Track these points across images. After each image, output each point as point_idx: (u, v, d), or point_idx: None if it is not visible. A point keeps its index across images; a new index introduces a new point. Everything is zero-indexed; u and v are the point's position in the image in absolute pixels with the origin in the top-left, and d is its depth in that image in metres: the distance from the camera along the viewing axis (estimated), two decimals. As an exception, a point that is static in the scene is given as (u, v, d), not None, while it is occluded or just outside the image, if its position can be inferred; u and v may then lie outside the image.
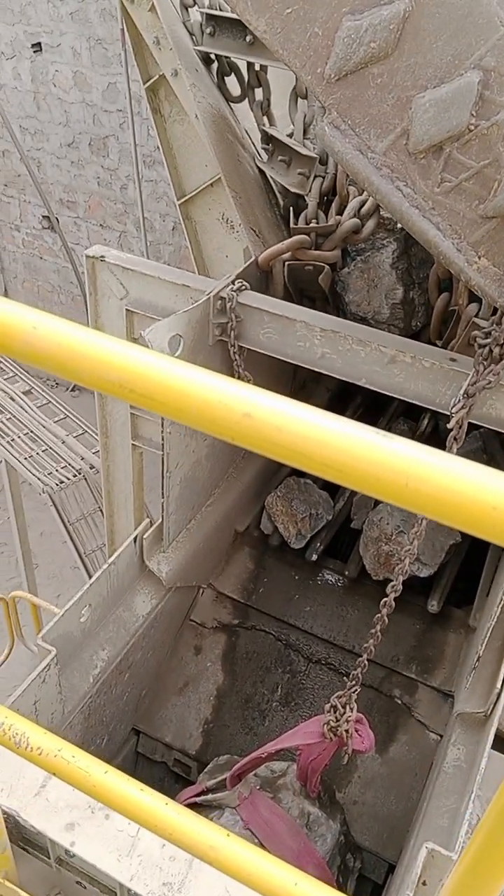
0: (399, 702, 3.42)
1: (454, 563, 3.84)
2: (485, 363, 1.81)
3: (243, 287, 2.86)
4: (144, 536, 3.02)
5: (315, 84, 1.51)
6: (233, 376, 3.07)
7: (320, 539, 3.89)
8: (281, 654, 3.64)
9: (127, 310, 3.11)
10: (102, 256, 3.02)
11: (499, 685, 2.79)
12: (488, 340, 1.76)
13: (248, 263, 3.17)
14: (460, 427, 1.94)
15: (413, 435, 4.32)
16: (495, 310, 1.81)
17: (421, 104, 1.48)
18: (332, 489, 4.12)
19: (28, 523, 7.78)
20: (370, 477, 0.49)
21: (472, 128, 1.48)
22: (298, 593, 3.82)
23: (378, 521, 3.76)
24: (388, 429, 4.38)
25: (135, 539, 3.01)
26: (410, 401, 2.76)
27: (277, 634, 3.71)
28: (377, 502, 4.03)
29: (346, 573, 3.81)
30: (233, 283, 2.85)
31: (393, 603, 2.31)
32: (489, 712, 2.71)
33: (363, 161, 1.57)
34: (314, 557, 3.82)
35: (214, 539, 3.59)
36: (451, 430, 1.97)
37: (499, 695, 2.81)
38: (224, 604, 3.79)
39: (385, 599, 2.33)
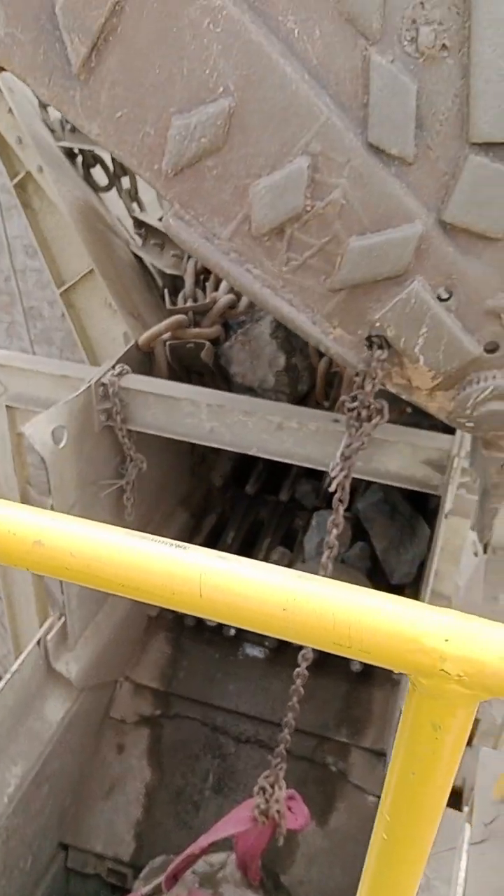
0: (333, 769, 3.35)
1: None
2: (356, 425, 1.87)
3: (125, 371, 2.86)
4: (48, 637, 2.89)
5: (154, 180, 1.56)
6: (124, 461, 3.06)
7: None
8: (208, 738, 3.52)
9: (7, 406, 3.04)
10: (-24, 355, 2.97)
11: None
12: (355, 404, 1.81)
13: (128, 347, 3.18)
14: (343, 489, 1.97)
15: (317, 494, 4.37)
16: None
17: (257, 191, 1.54)
18: (247, 555, 4.09)
19: None
20: (166, 591, 0.48)
21: (309, 209, 1.55)
22: (220, 672, 3.73)
23: None
24: (293, 491, 4.42)
25: (38, 641, 2.87)
26: (301, 464, 2.81)
27: (203, 719, 3.59)
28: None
29: (266, 644, 3.76)
30: (113, 368, 2.84)
31: (306, 672, 2.28)
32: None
33: (211, 248, 1.61)
34: (232, 632, 3.75)
35: (126, 628, 3.48)
36: (335, 492, 2.00)
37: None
38: (144, 695, 3.65)
39: (297, 669, 2.29)
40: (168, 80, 1.48)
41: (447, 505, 2.52)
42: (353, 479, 4.38)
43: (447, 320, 1.63)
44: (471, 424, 1.77)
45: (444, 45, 1.41)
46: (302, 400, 3.68)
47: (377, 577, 3.91)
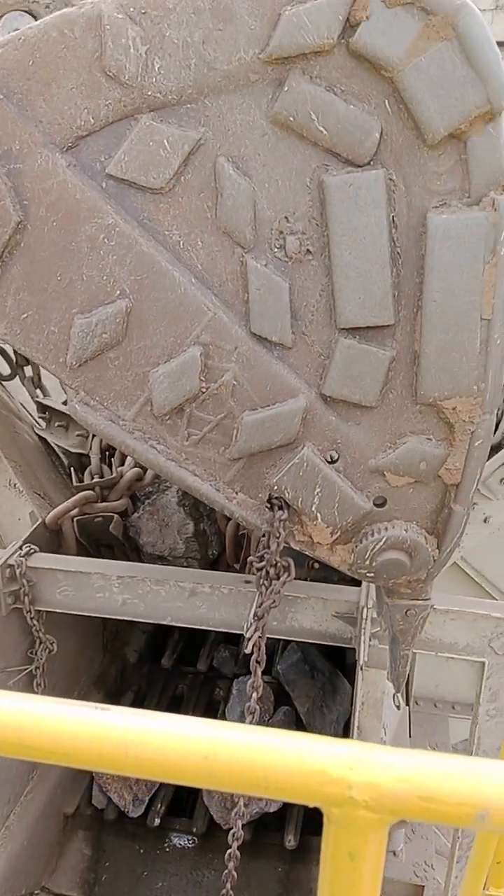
0: None
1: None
2: (266, 584, 1.94)
3: (32, 550, 2.85)
4: (-45, 848, 2.63)
5: (59, 371, 1.69)
6: (34, 644, 2.96)
7: (160, 798, 3.60)
8: None
9: None
10: None
11: None
12: (263, 563, 1.89)
13: (35, 526, 3.19)
14: (259, 649, 2.00)
15: (236, 660, 4.31)
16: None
17: (157, 377, 1.69)
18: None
19: None
20: (93, 754, 0.51)
21: (204, 390, 1.71)
22: (146, 869, 3.44)
23: None
24: (211, 659, 4.34)
25: None
26: (217, 629, 2.81)
27: (132, 926, 3.27)
28: None
29: (195, 830, 3.53)
30: (20, 548, 2.83)
31: (238, 853, 2.17)
32: None
33: (116, 428, 1.73)
34: (157, 822, 3.51)
35: (41, 831, 3.19)
36: (252, 654, 2.03)
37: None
38: (64, 907, 3.30)
39: (229, 851, 2.18)
40: (69, 286, 1.65)
41: (361, 657, 2.57)
42: (271, 640, 4.37)
43: (337, 480, 1.78)
44: (371, 574, 1.88)
45: (308, 250, 1.65)
46: (213, 564, 3.73)
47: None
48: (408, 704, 3.95)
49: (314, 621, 2.74)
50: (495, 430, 4.15)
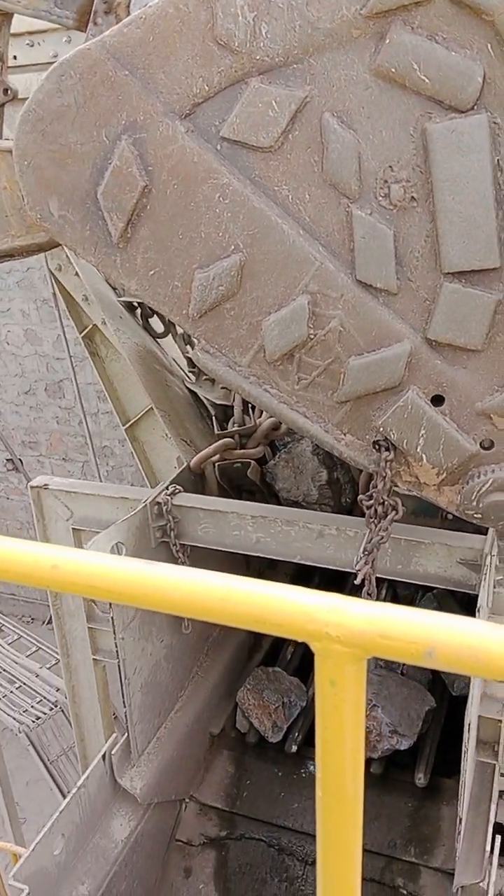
0: (404, 892, 3.23)
1: (434, 731, 3.79)
2: (374, 522, 2.04)
3: (177, 491, 3.12)
4: (113, 752, 2.99)
5: (183, 322, 1.87)
6: (179, 575, 3.26)
7: (298, 728, 3.84)
8: (275, 860, 3.46)
9: (73, 529, 3.33)
10: (46, 485, 3.29)
11: (488, 847, 2.71)
12: (371, 501, 2.00)
13: (180, 469, 3.46)
14: (369, 581, 2.12)
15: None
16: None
17: (268, 325, 1.83)
18: (304, 673, 4.13)
19: (12, 772, 7.39)
20: (139, 594, 0.68)
21: (312, 336, 1.82)
22: (284, 791, 3.70)
23: None
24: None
25: (104, 756, 2.97)
26: (343, 569, 2.94)
27: (269, 840, 3.54)
28: None
29: (329, 760, 3.73)
30: (167, 488, 3.11)
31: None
32: (486, 882, 2.61)
33: (233, 374, 1.89)
34: (294, 749, 3.75)
35: (188, 746, 3.53)
36: (363, 586, 2.15)
37: (490, 860, 2.71)
38: (209, 815, 3.64)
39: None
40: (190, 243, 1.82)
41: (485, 603, 2.61)
42: (410, 589, 4.44)
43: (442, 422, 1.84)
44: (479, 516, 1.93)
45: (412, 198, 1.71)
46: (349, 512, 3.85)
47: (436, 687, 3.89)
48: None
49: (439, 567, 2.79)
50: None
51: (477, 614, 2.61)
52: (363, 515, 3.73)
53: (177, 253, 1.83)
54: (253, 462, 3.57)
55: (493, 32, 1.54)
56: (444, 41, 1.57)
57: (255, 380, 1.90)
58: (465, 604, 4.13)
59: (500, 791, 2.88)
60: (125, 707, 3.02)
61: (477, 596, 2.82)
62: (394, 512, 2.02)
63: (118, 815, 3.09)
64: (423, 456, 1.88)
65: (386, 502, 1.98)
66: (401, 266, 1.76)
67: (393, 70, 1.61)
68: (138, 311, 4.37)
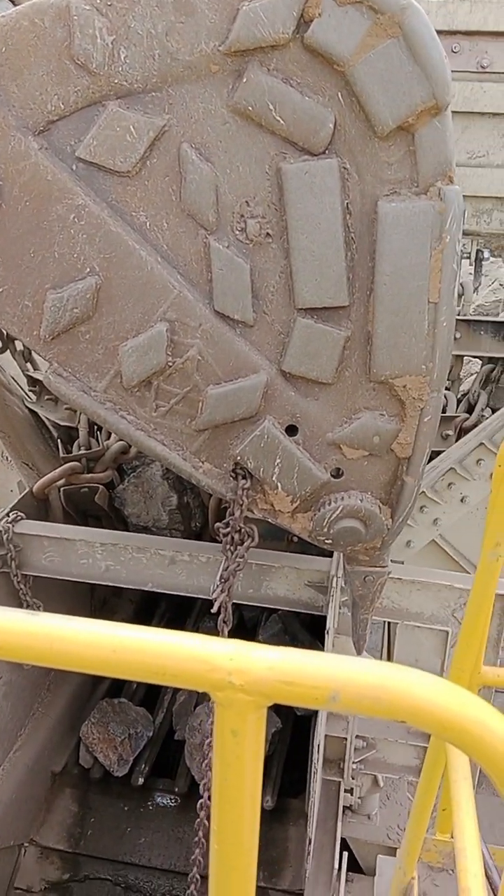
0: (252, 917, 3.23)
1: (280, 752, 3.85)
2: (231, 549, 2.05)
3: (18, 517, 2.97)
4: None
5: (33, 344, 1.79)
6: (21, 607, 3.09)
7: (144, 759, 3.76)
8: (121, 899, 3.35)
9: None
10: None
11: (335, 865, 2.78)
12: (228, 529, 2.01)
13: (23, 494, 3.31)
14: (226, 610, 2.12)
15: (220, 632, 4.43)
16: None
17: (126, 351, 1.80)
18: (150, 703, 4.06)
19: None
20: (22, 648, 0.63)
21: (171, 364, 1.81)
22: (130, 825, 3.60)
23: (199, 725, 3.73)
24: (196, 629, 4.48)
25: None
26: (196, 596, 2.93)
27: (114, 878, 3.43)
28: (195, 706, 4.02)
29: (177, 789, 3.68)
30: (7, 515, 2.95)
31: (209, 802, 2.30)
32: (334, 898, 2.67)
33: (88, 399, 1.83)
34: (140, 781, 3.66)
35: (29, 786, 3.35)
36: (218, 614, 2.15)
37: (339, 876, 2.78)
38: (50, 859, 3.46)
39: (200, 801, 2.31)
40: (42, 262, 1.75)
41: (331, 624, 2.70)
42: (255, 611, 4.49)
43: (296, 452, 1.89)
44: (329, 541, 1.99)
45: (267, 234, 1.75)
46: (197, 537, 3.85)
47: (281, 707, 3.96)
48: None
49: (288, 589, 2.86)
50: (470, 413, 4.25)
51: (326, 635, 2.69)
52: (212, 540, 3.76)
53: (28, 271, 1.75)
54: (101, 487, 3.49)
55: (343, 82, 1.62)
56: (298, 85, 1.63)
57: (112, 405, 1.86)
58: (308, 625, 4.26)
59: (345, 807, 2.98)
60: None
61: (321, 617, 2.92)
62: (250, 539, 2.05)
63: (-51, 868, 2.86)
64: (279, 484, 1.91)
65: (242, 530, 2.00)
66: (257, 299, 1.79)
67: (250, 108, 1.65)
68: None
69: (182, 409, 1.87)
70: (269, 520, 2.04)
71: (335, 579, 2.66)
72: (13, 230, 1.72)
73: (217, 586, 2.05)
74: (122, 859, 3.47)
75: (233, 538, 2.01)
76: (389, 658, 4.11)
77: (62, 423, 4.06)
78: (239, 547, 2.03)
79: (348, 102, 1.63)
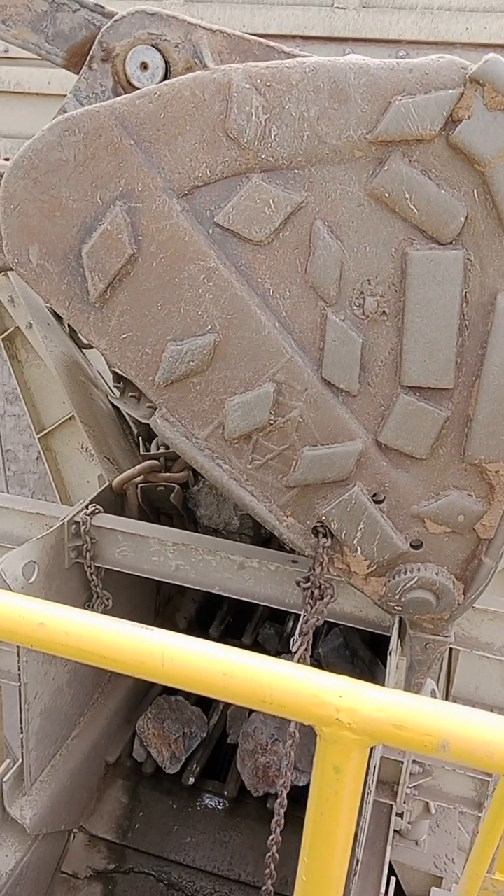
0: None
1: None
2: (311, 604, 2.13)
3: (97, 510, 3.07)
4: (4, 779, 2.90)
5: (147, 388, 1.90)
6: (91, 598, 3.22)
7: (196, 760, 3.73)
8: (163, 896, 3.43)
9: (-17, 543, 3.24)
10: (-40, 494, 3.19)
11: (382, 889, 2.80)
12: (308, 584, 2.09)
13: (102, 488, 3.43)
14: (304, 662, 2.19)
15: (280, 637, 4.48)
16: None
17: (232, 405, 1.89)
18: (206, 704, 4.04)
19: None
20: (136, 662, 0.68)
21: (272, 422, 1.90)
22: (178, 823, 3.59)
23: (252, 731, 3.72)
24: (256, 633, 4.53)
25: (-8, 783, 2.88)
26: (261, 603, 2.98)
27: (158, 874, 3.46)
28: (250, 713, 4.07)
29: (226, 793, 3.64)
30: (86, 507, 3.07)
31: (283, 820, 2.33)
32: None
33: (189, 445, 1.93)
34: (191, 781, 3.64)
35: (83, 774, 3.42)
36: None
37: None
38: (98, 847, 3.52)
39: (276, 818, 2.33)
40: (167, 315, 1.85)
41: (393, 645, 2.71)
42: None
43: (380, 519, 1.96)
44: (399, 608, 2.06)
45: (384, 312, 1.81)
46: (266, 543, 3.91)
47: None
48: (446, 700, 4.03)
49: (355, 606, 2.83)
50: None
51: (388, 656, 2.72)
52: (281, 548, 3.80)
53: (153, 322, 1.86)
54: (177, 486, 3.59)
55: (480, 180, 1.66)
56: (436, 178, 1.68)
57: (210, 453, 1.95)
58: (369, 642, 4.25)
59: (395, 830, 2.99)
60: (21, 733, 2.95)
61: (386, 637, 2.93)
62: (329, 595, 2.12)
63: (3, 846, 2.95)
64: (359, 548, 1.98)
65: (322, 585, 2.07)
66: (364, 371, 1.86)
67: (386, 194, 1.70)
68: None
69: (276, 464, 1.96)
70: (342, 579, 2.11)
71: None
72: (146, 283, 1.82)
73: (296, 640, 2.12)
74: (167, 856, 3.43)
75: (313, 593, 2.09)
76: (448, 681, 4.07)
77: (143, 421, 4.17)
78: (319, 602, 2.10)
79: (482, 199, 1.67)
